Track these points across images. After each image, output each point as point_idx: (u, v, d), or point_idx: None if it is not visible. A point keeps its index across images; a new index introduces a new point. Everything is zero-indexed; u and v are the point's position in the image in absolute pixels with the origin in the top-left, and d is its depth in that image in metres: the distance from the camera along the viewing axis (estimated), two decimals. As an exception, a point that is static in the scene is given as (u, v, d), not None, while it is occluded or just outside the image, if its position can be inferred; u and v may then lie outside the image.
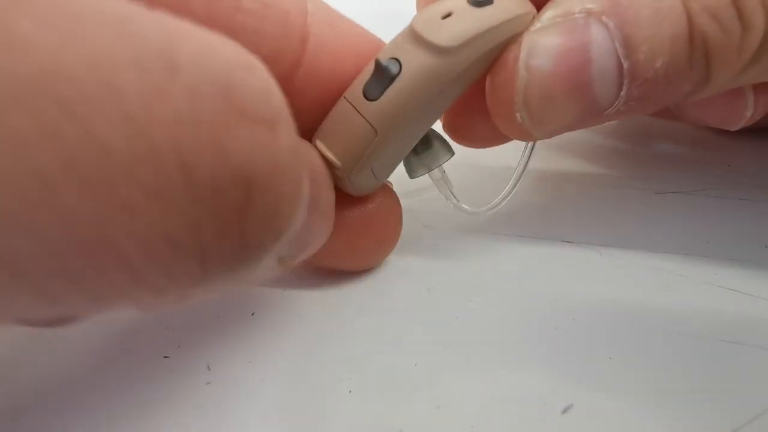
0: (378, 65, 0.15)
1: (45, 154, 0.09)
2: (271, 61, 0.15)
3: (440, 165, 0.19)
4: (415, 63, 0.15)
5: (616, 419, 0.15)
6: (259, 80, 0.11)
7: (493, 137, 0.20)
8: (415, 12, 0.18)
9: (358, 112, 0.16)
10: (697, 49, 0.16)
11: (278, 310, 0.18)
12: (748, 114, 0.20)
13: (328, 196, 0.15)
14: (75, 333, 0.17)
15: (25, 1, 0.09)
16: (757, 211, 0.22)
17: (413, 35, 0.15)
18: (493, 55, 0.16)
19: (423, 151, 0.18)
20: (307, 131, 0.17)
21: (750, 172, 0.24)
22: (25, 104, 0.08)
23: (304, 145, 0.15)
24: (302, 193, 0.12)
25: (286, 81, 0.15)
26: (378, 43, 0.17)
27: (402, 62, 0.15)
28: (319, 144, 0.16)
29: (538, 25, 0.16)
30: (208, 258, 0.11)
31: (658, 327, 0.17)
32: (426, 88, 0.15)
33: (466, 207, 0.20)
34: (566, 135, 0.18)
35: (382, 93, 0.15)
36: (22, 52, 0.09)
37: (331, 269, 0.19)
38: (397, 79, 0.15)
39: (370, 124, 0.15)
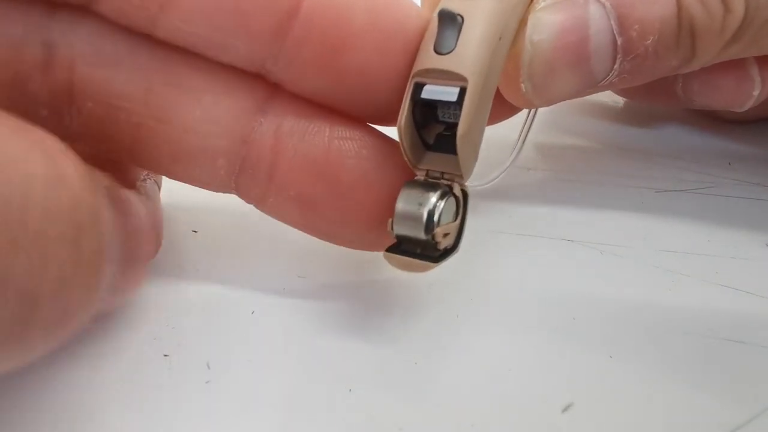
0: (444, 14, 0.15)
1: None
2: (262, 6, 0.15)
3: None
4: (474, 8, 0.15)
5: (616, 418, 0.15)
6: (64, 195, 0.11)
7: (494, 115, 0.20)
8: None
9: (441, 69, 0.15)
10: (684, 29, 0.17)
11: (278, 308, 0.18)
12: (755, 93, 0.21)
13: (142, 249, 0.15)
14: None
15: None
16: (757, 209, 0.22)
17: None
18: (518, 18, 0.17)
19: None
20: (309, 94, 0.16)
21: (751, 171, 0.24)
22: None
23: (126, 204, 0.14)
24: (99, 290, 0.12)
25: (278, 33, 0.15)
26: None
27: (461, 12, 0.15)
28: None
29: (542, 3, 0.17)
30: None
31: (659, 325, 0.17)
32: (492, 28, 0.15)
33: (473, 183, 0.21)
34: (567, 133, 0.18)
35: (456, 41, 0.15)
36: None
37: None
38: (465, 25, 0.15)
39: (459, 75, 0.15)
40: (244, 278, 0.19)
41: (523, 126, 0.21)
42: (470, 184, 0.21)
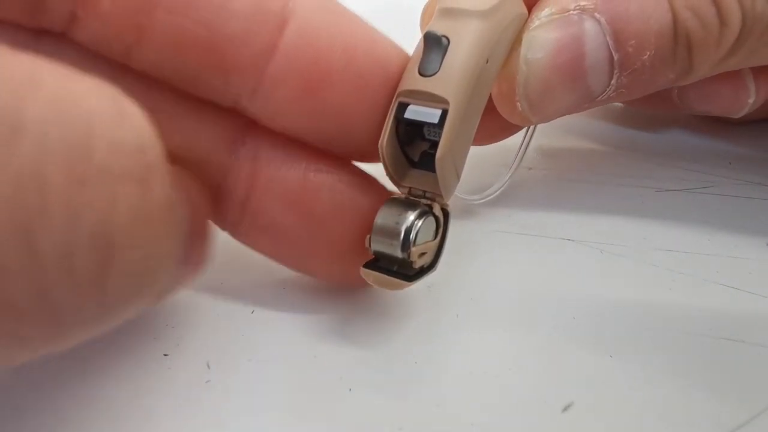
0: (430, 37, 0.15)
1: None
2: (237, 43, 0.15)
3: None
4: (461, 31, 0.15)
5: (616, 417, 0.15)
6: (128, 131, 0.10)
7: (495, 134, 0.21)
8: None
9: (424, 91, 0.15)
10: (680, 43, 0.17)
11: (278, 308, 0.18)
12: (750, 101, 0.21)
13: (205, 222, 0.15)
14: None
15: None
16: (758, 208, 0.22)
17: (447, 13, 0.16)
18: (509, 40, 0.17)
19: None
20: (286, 130, 0.16)
21: (751, 171, 0.24)
22: None
23: (182, 177, 0.14)
24: (176, 243, 0.11)
25: (254, 72, 0.15)
26: (371, 34, 0.16)
27: (448, 35, 0.15)
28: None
29: (536, 22, 0.17)
30: (62, 320, 0.10)
31: (659, 325, 0.17)
32: (478, 51, 0.15)
33: (465, 196, 0.20)
34: (567, 134, 0.18)
35: (440, 64, 0.15)
36: None
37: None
38: (450, 48, 0.15)
39: (441, 97, 0.15)
40: (244, 278, 0.19)
41: (522, 141, 0.21)
42: (468, 198, 0.21)
